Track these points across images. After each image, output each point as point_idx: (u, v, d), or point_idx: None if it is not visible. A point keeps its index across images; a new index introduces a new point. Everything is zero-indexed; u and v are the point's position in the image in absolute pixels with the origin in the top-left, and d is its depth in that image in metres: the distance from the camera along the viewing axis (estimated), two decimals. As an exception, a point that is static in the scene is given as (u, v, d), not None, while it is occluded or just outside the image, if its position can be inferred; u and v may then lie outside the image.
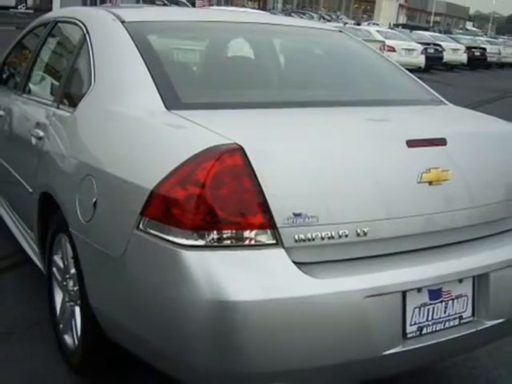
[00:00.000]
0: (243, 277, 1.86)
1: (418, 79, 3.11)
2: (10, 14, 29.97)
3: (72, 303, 2.57)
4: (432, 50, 24.34)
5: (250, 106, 2.42)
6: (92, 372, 2.59)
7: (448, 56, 25.94)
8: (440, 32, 39.01)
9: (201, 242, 1.87)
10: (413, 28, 34.36)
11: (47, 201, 2.69)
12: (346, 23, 30.76)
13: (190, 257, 1.85)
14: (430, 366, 2.80)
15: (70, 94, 2.87)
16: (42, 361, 2.70)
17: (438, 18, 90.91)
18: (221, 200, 1.87)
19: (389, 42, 21.42)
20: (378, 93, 2.99)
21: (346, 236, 1.98)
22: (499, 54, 31.96)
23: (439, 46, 25.52)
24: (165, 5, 29.64)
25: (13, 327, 2.96)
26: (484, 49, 29.76)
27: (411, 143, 2.11)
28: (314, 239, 1.93)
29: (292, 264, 1.90)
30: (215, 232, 1.87)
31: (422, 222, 2.12)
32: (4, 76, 4.09)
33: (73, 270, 2.50)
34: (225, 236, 1.88)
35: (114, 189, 2.18)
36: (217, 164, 1.87)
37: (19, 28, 13.03)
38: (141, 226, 1.98)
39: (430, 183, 2.12)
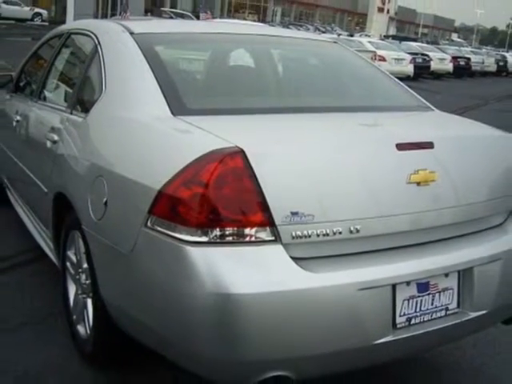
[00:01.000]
0: (244, 271, 1.86)
1: (407, 87, 3.11)
2: (27, 26, 30.08)
3: (84, 295, 2.57)
4: (420, 60, 24.33)
5: (250, 112, 2.42)
6: (103, 360, 2.59)
7: (435, 65, 25.94)
8: (427, 43, 38.96)
9: (204, 239, 1.87)
10: (402, 39, 34.25)
11: (61, 200, 2.69)
12: (339, 34, 30.68)
13: (194, 252, 1.86)
14: (418, 355, 2.80)
15: (82, 100, 2.87)
16: (57, 350, 2.70)
17: (425, 30, 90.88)
18: (223, 199, 1.87)
19: (380, 52, 21.41)
20: (370, 99, 2.99)
21: (340, 233, 1.98)
22: (482, 63, 31.95)
23: (427, 55, 25.51)
24: (171, 17, 29.69)
25: (29, 318, 2.95)
26: (468, 58, 29.78)
27: (400, 146, 2.11)
28: (310, 236, 1.93)
29: (289, 259, 1.90)
30: (218, 229, 1.87)
31: (411, 219, 2.12)
32: (21, 84, 4.09)
33: (85, 265, 2.50)
34: (227, 233, 1.88)
35: (123, 189, 2.18)
36: (219, 166, 1.87)
37: (35, 39, 13.06)
38: (148, 223, 1.98)
39: (418, 184, 2.12)
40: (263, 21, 50.34)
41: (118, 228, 2.18)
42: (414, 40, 38.70)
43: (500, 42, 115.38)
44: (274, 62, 3.31)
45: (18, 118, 3.64)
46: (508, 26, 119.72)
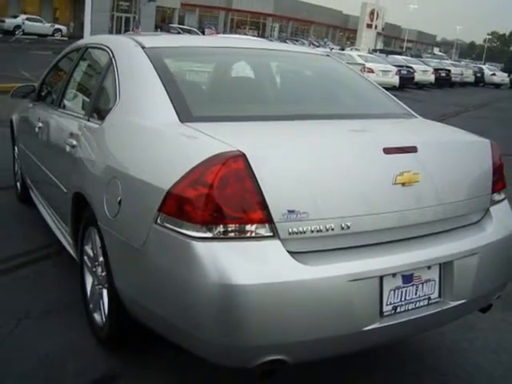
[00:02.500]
0: (245, 264, 1.86)
1: (393, 96, 3.11)
2: (48, 40, 30.13)
3: (100, 286, 2.57)
4: (405, 72, 24.28)
5: (250, 119, 2.41)
6: (117, 344, 2.59)
7: (418, 76, 25.90)
8: (412, 56, 38.91)
9: (209, 235, 1.87)
10: (389, 53, 34.25)
11: (79, 199, 2.68)
12: (332, 48, 30.70)
13: (199, 247, 1.85)
14: (403, 340, 2.80)
15: (98, 108, 2.86)
16: (75, 335, 2.69)
17: (410, 44, 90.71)
18: (226, 199, 1.87)
19: (368, 65, 21.39)
20: (360, 107, 2.98)
21: (332, 229, 1.97)
22: (462, 74, 31.93)
23: (411, 68, 25.47)
24: (179, 33, 29.76)
25: (51, 306, 2.95)
26: (449, 70, 29.75)
27: (387, 150, 2.11)
28: (305, 232, 1.93)
29: (286, 253, 1.90)
30: (221, 226, 1.87)
31: (397, 217, 2.12)
32: (43, 93, 4.09)
33: (101, 258, 2.49)
34: (229, 229, 1.88)
35: (136, 189, 2.18)
36: (223, 168, 1.87)
37: (55, 53, 13.08)
38: (158, 220, 1.98)
39: (403, 184, 2.12)
40: (262, 36, 50.32)
41: (131, 225, 2.17)
42: (400, 53, 38.63)
43: (477, 55, 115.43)
44: (272, 73, 3.30)
45: (40, 124, 3.64)
46: (485, 41, 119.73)
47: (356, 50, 35.56)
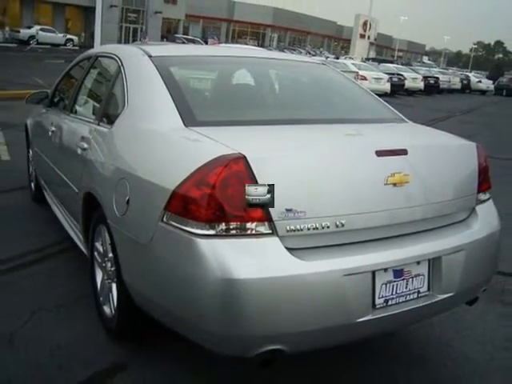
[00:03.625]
0: (246, 259, 1.86)
1: (384, 102, 3.11)
2: (60, 50, 30.15)
3: (109, 280, 2.57)
4: (396, 79, 24.26)
5: (251, 124, 2.42)
6: (125, 335, 2.59)
7: (408, 83, 25.89)
8: (402, 64, 38.82)
9: (212, 232, 1.87)
10: (380, 61, 34.20)
11: (90, 199, 2.68)
12: (327, 57, 30.64)
13: (203, 244, 1.86)
14: (395, 332, 2.80)
15: (107, 113, 2.86)
16: (86, 327, 2.69)
17: (400, 53, 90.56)
18: (228, 198, 1.87)
19: (361, 72, 21.34)
20: (354, 113, 2.98)
21: (328, 227, 1.98)
22: (449, 82, 31.93)
23: (402, 75, 25.45)
24: (183, 42, 29.75)
25: (63, 300, 2.95)
26: (437, 78, 29.74)
27: (379, 153, 2.11)
28: (302, 230, 1.93)
29: (285, 249, 1.90)
30: (223, 224, 1.87)
31: (388, 215, 2.12)
32: (55, 99, 4.09)
33: (110, 254, 2.49)
34: (231, 227, 1.88)
35: (143, 189, 2.18)
36: (225, 169, 1.87)
37: (67, 61, 13.06)
38: (164, 218, 1.98)
39: (394, 185, 2.12)
40: (262, 45, 50.30)
41: (139, 222, 2.17)
42: (391, 62, 38.51)
43: (464, 63, 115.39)
44: (271, 80, 3.30)
45: (53, 128, 3.64)
46: (471, 50, 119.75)
47: (350, 58, 35.50)
